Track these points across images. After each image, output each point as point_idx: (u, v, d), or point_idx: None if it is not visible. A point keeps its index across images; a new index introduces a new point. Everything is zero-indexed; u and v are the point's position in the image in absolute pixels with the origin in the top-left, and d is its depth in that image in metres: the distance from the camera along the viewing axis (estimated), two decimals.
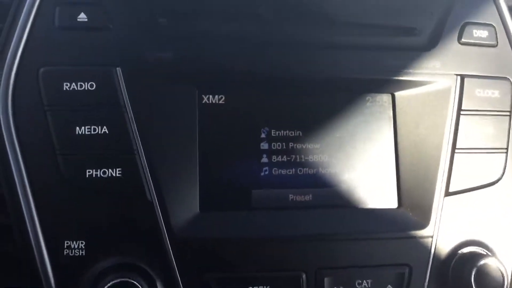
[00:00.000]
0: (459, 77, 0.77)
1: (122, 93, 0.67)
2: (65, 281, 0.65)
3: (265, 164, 0.72)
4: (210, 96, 0.71)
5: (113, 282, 0.62)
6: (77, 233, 0.65)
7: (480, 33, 0.79)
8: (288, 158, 0.73)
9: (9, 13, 0.69)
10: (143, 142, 0.67)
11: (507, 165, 0.77)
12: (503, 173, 0.77)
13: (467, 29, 0.79)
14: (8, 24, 0.69)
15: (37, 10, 0.68)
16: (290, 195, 0.72)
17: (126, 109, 0.67)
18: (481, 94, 0.77)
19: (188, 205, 0.68)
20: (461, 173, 0.75)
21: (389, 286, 0.71)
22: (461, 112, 0.76)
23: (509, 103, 0.78)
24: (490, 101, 0.77)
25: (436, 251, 0.73)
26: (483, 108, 0.77)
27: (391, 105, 0.76)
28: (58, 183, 0.65)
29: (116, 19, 0.69)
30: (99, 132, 0.66)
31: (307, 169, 0.73)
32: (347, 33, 0.76)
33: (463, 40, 0.78)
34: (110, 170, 0.66)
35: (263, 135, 0.72)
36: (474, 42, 0.79)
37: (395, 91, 0.76)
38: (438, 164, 0.74)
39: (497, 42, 0.80)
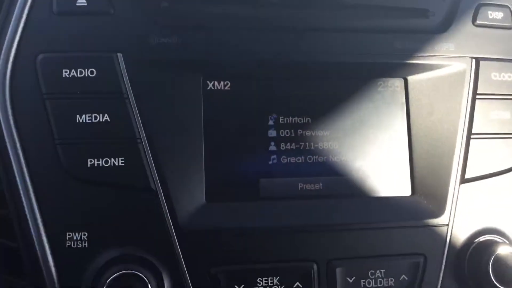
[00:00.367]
0: (474, 60, 0.75)
1: (123, 79, 0.66)
2: (68, 273, 0.63)
3: (273, 152, 0.70)
4: (215, 82, 0.70)
5: (117, 274, 0.61)
6: (79, 224, 0.64)
7: (495, 15, 0.78)
8: (297, 146, 0.71)
9: None
10: (146, 130, 0.65)
11: None
12: None
13: (481, 10, 0.77)
14: (5, 10, 0.67)
15: None
16: (299, 184, 0.71)
17: (128, 96, 0.65)
18: (497, 77, 0.76)
19: (194, 195, 0.67)
20: (477, 159, 0.73)
21: (403, 276, 0.69)
22: (477, 96, 0.74)
23: None
24: (507, 84, 0.76)
25: (451, 240, 0.71)
26: (499, 92, 0.75)
27: (403, 90, 0.74)
28: (58, 173, 0.64)
29: (117, 3, 0.68)
30: (100, 120, 0.65)
31: (316, 157, 0.71)
32: (358, 16, 0.74)
33: (477, 22, 0.77)
34: (112, 159, 0.64)
35: (270, 122, 0.71)
36: (489, 24, 0.77)
37: (407, 75, 0.74)
38: (453, 150, 0.73)
39: None
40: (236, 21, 0.70)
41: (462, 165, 0.72)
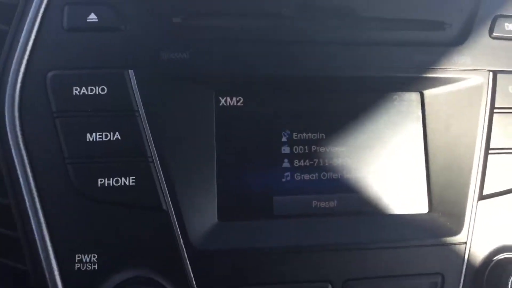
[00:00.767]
0: (491, 73, 0.74)
1: (135, 96, 0.65)
2: None
3: (286, 169, 0.69)
4: (228, 98, 0.69)
5: None
6: (88, 246, 0.63)
7: None
8: (311, 163, 0.70)
9: (15, 14, 0.67)
10: (158, 149, 0.64)
11: None
12: None
13: (498, 22, 0.76)
14: (15, 26, 0.66)
15: (44, 10, 0.66)
16: (313, 202, 0.70)
17: (140, 114, 0.65)
18: None
19: (206, 214, 0.66)
20: (496, 175, 0.72)
21: None
22: (495, 110, 0.73)
23: None
24: None
25: (469, 258, 0.70)
26: None
27: (419, 104, 0.73)
28: (68, 193, 0.63)
29: (128, 19, 0.67)
30: (111, 139, 0.64)
31: (331, 173, 0.70)
32: (373, 28, 0.73)
33: (494, 34, 0.76)
34: (123, 178, 0.63)
35: (284, 139, 0.70)
36: (506, 36, 0.76)
37: (424, 89, 0.73)
38: (471, 166, 0.72)
39: None
40: (249, 36, 0.70)
41: (480, 181, 0.71)
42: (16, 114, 0.64)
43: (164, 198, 0.64)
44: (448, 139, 0.72)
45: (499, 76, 0.74)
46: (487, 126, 0.72)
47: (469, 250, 0.70)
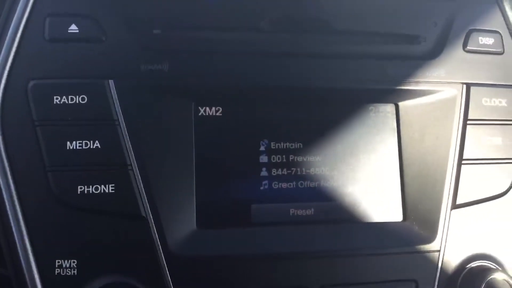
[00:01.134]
0: (465, 86, 0.75)
1: (115, 106, 0.65)
2: None
3: (264, 178, 0.70)
4: (207, 108, 0.70)
5: None
6: (68, 251, 0.63)
7: (486, 40, 0.78)
8: (289, 171, 0.71)
9: None
10: (137, 157, 0.65)
11: None
12: None
13: (472, 36, 0.77)
14: None
15: (26, 21, 0.66)
16: (291, 210, 0.70)
17: (119, 123, 0.65)
18: (488, 103, 0.76)
19: (184, 221, 0.66)
20: (469, 185, 0.73)
21: None
22: (468, 122, 0.74)
23: None
24: (497, 110, 0.76)
25: (443, 265, 0.71)
26: (490, 118, 0.75)
27: (394, 116, 0.74)
28: (48, 200, 0.63)
29: (108, 30, 0.67)
30: (91, 147, 0.64)
31: (308, 182, 0.71)
32: (348, 42, 0.74)
33: (468, 47, 0.77)
34: (102, 186, 0.64)
35: (262, 148, 0.70)
36: (479, 50, 0.77)
37: (398, 101, 0.74)
38: (444, 176, 0.73)
39: (504, 49, 0.78)
40: (227, 47, 0.70)
41: (454, 190, 0.72)
42: None
43: (143, 206, 0.64)
44: (422, 149, 0.73)
45: (472, 88, 0.75)
46: (460, 137, 0.73)
47: (443, 257, 0.71)
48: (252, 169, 0.70)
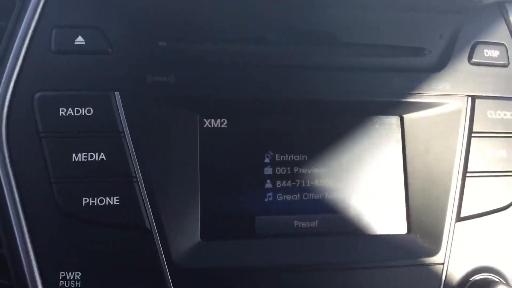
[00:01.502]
0: (470, 98, 0.75)
1: (120, 118, 0.66)
2: None
3: (269, 190, 0.70)
4: (212, 120, 0.70)
5: None
6: (72, 263, 0.63)
7: (491, 53, 0.78)
8: (293, 183, 0.71)
9: (4, 36, 0.68)
10: (142, 169, 0.65)
11: None
12: None
13: (477, 49, 0.78)
14: (3, 47, 0.67)
15: (32, 33, 0.67)
16: (295, 222, 0.70)
17: (125, 135, 0.65)
18: (493, 115, 0.76)
19: (189, 233, 0.66)
20: (473, 198, 0.73)
21: None
22: (473, 135, 0.74)
23: None
24: (502, 122, 0.76)
25: (447, 278, 0.71)
26: (495, 130, 0.75)
27: (399, 128, 0.74)
28: (53, 212, 0.63)
29: (114, 43, 0.68)
30: (96, 159, 0.64)
31: (312, 194, 0.71)
32: (354, 54, 0.74)
33: (473, 60, 0.77)
34: (107, 198, 0.64)
35: (267, 160, 0.70)
36: (485, 62, 0.77)
37: (403, 114, 0.74)
38: (449, 188, 0.73)
39: (509, 62, 0.79)
40: (233, 59, 0.71)
41: (458, 203, 0.72)
42: (3, 133, 0.64)
43: (148, 218, 0.64)
44: (427, 162, 0.73)
45: (477, 101, 0.75)
46: (465, 150, 0.73)
47: (447, 270, 0.71)
48: (257, 181, 0.70)
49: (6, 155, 0.64)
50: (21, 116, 0.65)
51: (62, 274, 0.63)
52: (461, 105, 0.75)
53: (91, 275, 0.63)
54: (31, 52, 0.66)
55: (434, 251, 0.71)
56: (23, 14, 0.68)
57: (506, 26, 0.80)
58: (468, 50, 0.77)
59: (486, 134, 0.75)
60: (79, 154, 0.64)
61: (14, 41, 0.67)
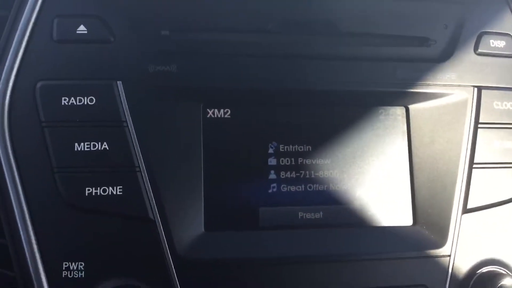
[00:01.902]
0: (476, 89, 0.75)
1: (123, 107, 0.65)
2: None
3: (273, 181, 0.70)
4: (215, 110, 0.69)
5: None
6: (75, 254, 0.63)
7: (497, 43, 0.77)
8: (297, 174, 0.70)
9: (6, 26, 0.68)
10: (145, 159, 0.65)
11: None
12: None
13: (483, 39, 0.77)
14: (5, 37, 0.67)
15: (34, 22, 0.67)
16: (299, 213, 0.70)
17: (127, 124, 0.65)
18: (499, 106, 0.75)
19: (192, 224, 0.66)
20: (479, 189, 0.73)
21: None
22: (479, 126, 0.74)
23: None
24: (509, 113, 0.75)
25: (453, 271, 0.70)
26: (502, 121, 0.75)
27: (405, 119, 0.74)
28: (56, 202, 0.63)
29: (117, 32, 0.67)
30: (99, 149, 0.64)
31: (317, 185, 0.71)
32: (358, 44, 0.74)
33: (479, 50, 0.77)
34: (110, 188, 0.64)
35: (271, 151, 0.70)
36: (491, 53, 0.77)
37: (409, 104, 0.74)
38: (455, 180, 0.72)
39: None
40: (236, 49, 0.70)
41: (464, 195, 0.72)
42: (6, 123, 0.64)
43: (151, 208, 0.64)
44: (433, 153, 0.73)
45: (483, 92, 0.75)
46: (471, 141, 0.73)
47: (453, 262, 0.70)
48: (261, 171, 0.69)
49: (9, 145, 0.64)
50: (23, 106, 0.65)
51: (65, 264, 0.63)
52: (467, 95, 0.74)
53: (94, 265, 0.63)
54: (33, 41, 0.66)
55: (440, 243, 0.70)
56: (24, 4, 0.67)
57: None
58: (474, 40, 0.77)
59: (493, 125, 0.74)
60: (82, 144, 0.64)
61: (16, 31, 0.66)
